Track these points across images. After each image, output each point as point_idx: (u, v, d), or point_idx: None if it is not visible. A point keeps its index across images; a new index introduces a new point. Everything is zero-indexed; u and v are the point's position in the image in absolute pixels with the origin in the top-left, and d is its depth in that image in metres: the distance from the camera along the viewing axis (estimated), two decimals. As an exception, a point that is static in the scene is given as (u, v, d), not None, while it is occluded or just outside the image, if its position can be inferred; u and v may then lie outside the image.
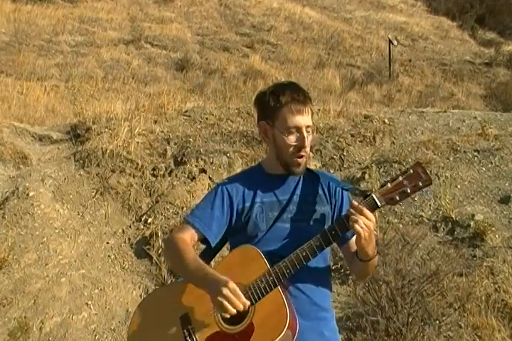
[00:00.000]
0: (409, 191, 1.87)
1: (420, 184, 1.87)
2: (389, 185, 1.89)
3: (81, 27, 13.86)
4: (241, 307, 1.77)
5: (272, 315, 1.81)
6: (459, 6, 18.12)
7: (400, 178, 1.88)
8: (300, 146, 2.00)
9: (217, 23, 15.31)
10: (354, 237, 1.93)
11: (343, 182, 2.28)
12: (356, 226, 1.83)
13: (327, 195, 2.09)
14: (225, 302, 1.75)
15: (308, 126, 2.01)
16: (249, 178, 2.10)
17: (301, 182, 2.09)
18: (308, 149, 2.02)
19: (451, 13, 17.68)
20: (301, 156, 2.01)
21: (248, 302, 1.79)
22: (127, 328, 2.05)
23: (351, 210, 1.86)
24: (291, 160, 2.02)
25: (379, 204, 1.87)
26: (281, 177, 2.08)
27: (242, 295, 1.78)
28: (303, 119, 1.99)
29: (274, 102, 2.02)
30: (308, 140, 2.01)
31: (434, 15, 17.97)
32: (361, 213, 1.83)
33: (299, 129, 2.00)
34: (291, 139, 2.00)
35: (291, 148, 2.01)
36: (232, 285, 1.77)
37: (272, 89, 2.07)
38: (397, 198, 1.88)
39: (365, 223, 1.83)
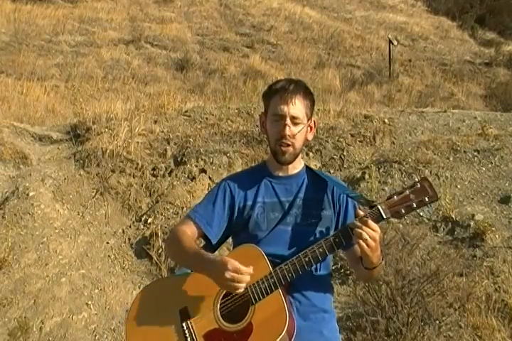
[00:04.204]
0: (415, 205, 1.86)
1: (426, 199, 1.86)
2: (395, 197, 1.87)
3: (81, 27, 13.86)
4: (247, 279, 1.78)
5: (271, 317, 1.81)
6: (459, 6, 18.11)
7: (407, 192, 1.86)
8: (281, 135, 1.99)
9: (217, 23, 15.30)
10: None
11: (349, 188, 2.25)
12: (359, 239, 1.81)
13: (331, 200, 2.07)
14: (233, 284, 1.78)
15: (294, 117, 2.00)
16: (253, 176, 2.10)
17: (304, 186, 2.07)
18: (294, 140, 2.01)
19: (451, 13, 17.67)
20: (283, 144, 2.00)
21: (250, 270, 1.80)
22: (126, 317, 2.04)
23: (356, 222, 1.84)
24: (275, 148, 2.03)
25: (384, 216, 1.86)
26: (285, 179, 2.08)
27: (245, 268, 1.79)
28: (287, 108, 1.99)
29: (268, 91, 2.07)
30: (292, 131, 1.99)
31: (434, 15, 17.97)
32: (365, 225, 1.81)
33: (282, 118, 2.00)
34: (275, 127, 2.02)
35: (275, 136, 2.02)
36: (232, 264, 1.78)
37: (273, 82, 2.11)
38: (403, 211, 1.86)
39: (370, 235, 1.81)
